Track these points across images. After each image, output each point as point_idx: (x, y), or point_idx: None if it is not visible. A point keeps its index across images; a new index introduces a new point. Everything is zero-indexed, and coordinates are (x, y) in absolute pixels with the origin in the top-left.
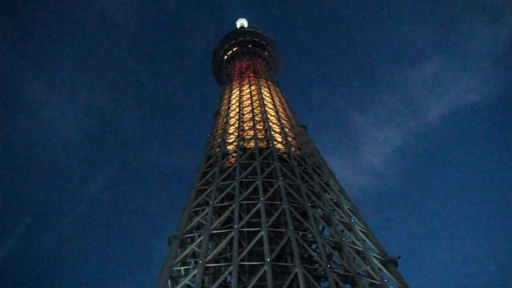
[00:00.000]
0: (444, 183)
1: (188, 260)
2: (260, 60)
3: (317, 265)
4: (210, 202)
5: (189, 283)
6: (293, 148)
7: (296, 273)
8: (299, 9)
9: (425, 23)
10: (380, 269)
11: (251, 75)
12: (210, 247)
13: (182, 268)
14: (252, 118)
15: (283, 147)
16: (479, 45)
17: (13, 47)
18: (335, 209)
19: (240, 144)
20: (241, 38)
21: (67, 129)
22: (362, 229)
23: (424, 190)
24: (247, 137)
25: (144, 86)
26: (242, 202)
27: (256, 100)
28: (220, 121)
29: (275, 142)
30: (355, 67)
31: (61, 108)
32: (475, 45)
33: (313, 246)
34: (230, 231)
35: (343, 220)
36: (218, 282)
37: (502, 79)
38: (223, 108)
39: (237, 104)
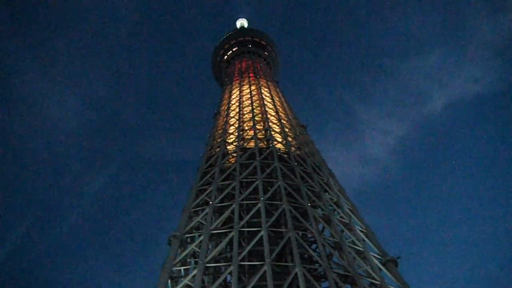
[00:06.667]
0: (447, 174)
1: (188, 260)
2: (260, 60)
3: (317, 265)
4: (210, 202)
5: (189, 283)
6: (293, 148)
7: (296, 273)
8: (300, 3)
9: (428, 13)
10: (380, 269)
11: (251, 75)
12: (210, 247)
13: (182, 268)
14: (252, 118)
15: (283, 147)
16: (482, 35)
17: (13, 39)
18: (335, 209)
19: (240, 144)
20: (241, 38)
21: (67, 121)
22: (362, 229)
23: (428, 181)
24: (247, 137)
25: (145, 79)
26: (242, 202)
27: (256, 100)
28: (220, 121)
29: (275, 142)
30: (358, 59)
31: (61, 100)
32: (478, 35)
33: (313, 246)
34: (230, 231)
35: (343, 220)
36: (218, 282)
37: (505, 69)
38: (223, 108)
39: (237, 104)
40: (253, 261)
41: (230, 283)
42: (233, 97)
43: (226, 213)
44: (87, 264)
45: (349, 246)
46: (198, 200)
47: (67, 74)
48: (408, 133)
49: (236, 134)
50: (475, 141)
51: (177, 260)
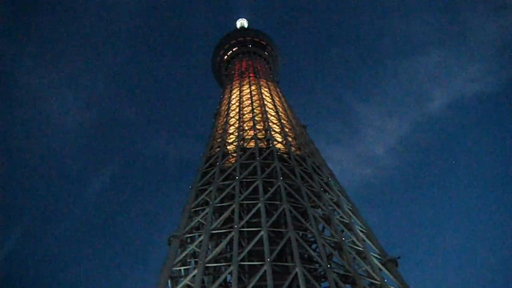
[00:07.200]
0: (448, 174)
1: (188, 260)
2: (260, 60)
3: (317, 265)
4: (210, 202)
5: (189, 283)
6: (293, 148)
7: (296, 273)
8: (300, 3)
9: (428, 12)
10: (380, 269)
11: (251, 75)
12: (210, 247)
13: (182, 268)
14: (252, 118)
15: (283, 147)
16: (483, 34)
17: (14, 38)
18: (335, 209)
19: (240, 144)
20: (241, 38)
21: (67, 121)
22: (362, 229)
23: (428, 181)
24: (247, 137)
25: (145, 79)
26: (242, 202)
27: (256, 100)
28: (220, 121)
29: (275, 142)
30: (358, 58)
31: (61, 99)
32: (479, 34)
33: (313, 246)
34: (230, 231)
35: (343, 220)
36: (218, 282)
37: (506, 69)
38: (223, 108)
39: (237, 104)
40: (253, 261)
41: (230, 283)
42: (233, 97)
43: (226, 213)
44: (87, 264)
45: (349, 246)
46: (198, 200)
47: (68, 73)
48: (409, 133)
49: (236, 134)
50: (476, 140)
51: (177, 260)
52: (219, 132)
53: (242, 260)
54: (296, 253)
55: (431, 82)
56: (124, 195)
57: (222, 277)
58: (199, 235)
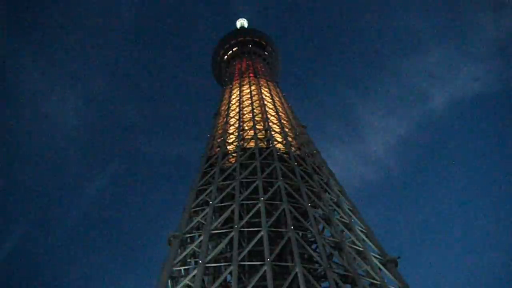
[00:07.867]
0: (448, 174)
1: (188, 260)
2: (260, 60)
3: (317, 265)
4: (210, 202)
5: (189, 283)
6: (293, 148)
7: (296, 273)
8: (300, 3)
9: (428, 11)
10: (380, 269)
11: (251, 75)
12: (210, 247)
13: (182, 268)
14: (252, 118)
15: (283, 147)
16: (483, 33)
17: (13, 37)
18: (335, 209)
19: (240, 144)
20: (241, 38)
21: (67, 120)
22: (362, 229)
23: (429, 180)
24: (247, 137)
25: (145, 79)
26: (242, 202)
27: (256, 100)
28: (220, 121)
29: (275, 142)
30: (358, 57)
31: (61, 99)
32: (479, 33)
33: (313, 246)
34: (230, 231)
35: (343, 220)
36: (218, 282)
37: (506, 67)
38: (223, 108)
39: (237, 104)
40: (253, 261)
41: (230, 283)
42: (233, 97)
43: (226, 213)
44: (87, 264)
45: (349, 246)
46: (198, 200)
47: (67, 73)
48: (409, 132)
49: (236, 134)
50: (476, 139)
51: (177, 260)
52: (219, 132)
53: (242, 260)
54: (296, 253)
55: (431, 82)
56: (124, 195)
57: (222, 277)
58: (199, 235)
